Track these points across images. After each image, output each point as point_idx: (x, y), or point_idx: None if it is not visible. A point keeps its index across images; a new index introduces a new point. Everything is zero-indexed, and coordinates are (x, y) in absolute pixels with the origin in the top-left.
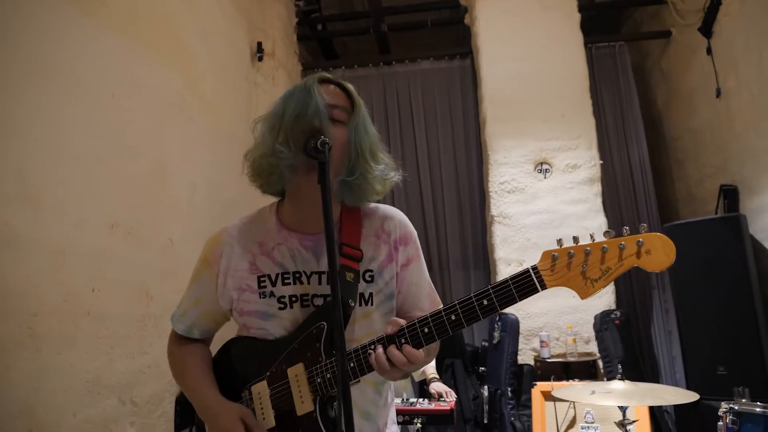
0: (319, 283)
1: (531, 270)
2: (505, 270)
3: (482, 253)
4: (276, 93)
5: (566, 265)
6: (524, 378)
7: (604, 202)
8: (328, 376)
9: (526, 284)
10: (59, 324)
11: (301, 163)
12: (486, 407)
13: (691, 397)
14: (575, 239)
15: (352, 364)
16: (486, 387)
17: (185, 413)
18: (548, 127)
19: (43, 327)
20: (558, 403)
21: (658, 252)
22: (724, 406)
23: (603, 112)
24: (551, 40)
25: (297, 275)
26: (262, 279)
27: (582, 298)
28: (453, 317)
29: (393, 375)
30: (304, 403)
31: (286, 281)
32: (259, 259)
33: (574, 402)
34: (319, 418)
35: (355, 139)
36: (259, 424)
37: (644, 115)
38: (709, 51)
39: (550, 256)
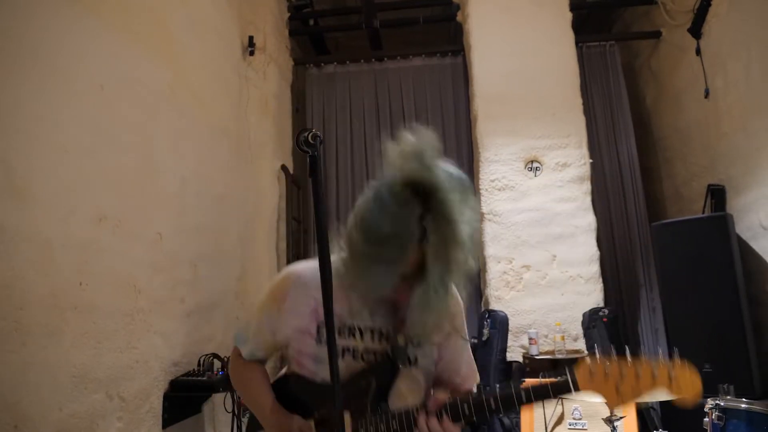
0: (371, 339)
1: (569, 374)
2: (495, 267)
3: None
4: (267, 88)
5: (601, 380)
6: (513, 375)
7: (593, 201)
8: (372, 430)
9: (561, 387)
10: (46, 318)
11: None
12: None
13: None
14: (612, 359)
15: (395, 425)
16: (474, 384)
17: (173, 409)
18: (539, 125)
19: (29, 320)
20: (546, 400)
21: (686, 387)
22: (710, 403)
23: (593, 110)
24: (543, 39)
25: (351, 329)
26: (321, 327)
27: (610, 407)
28: (493, 404)
29: None
30: None
31: (342, 333)
32: (321, 308)
33: (562, 399)
34: None
35: (434, 257)
36: None
37: (634, 114)
38: (698, 51)
39: (588, 370)
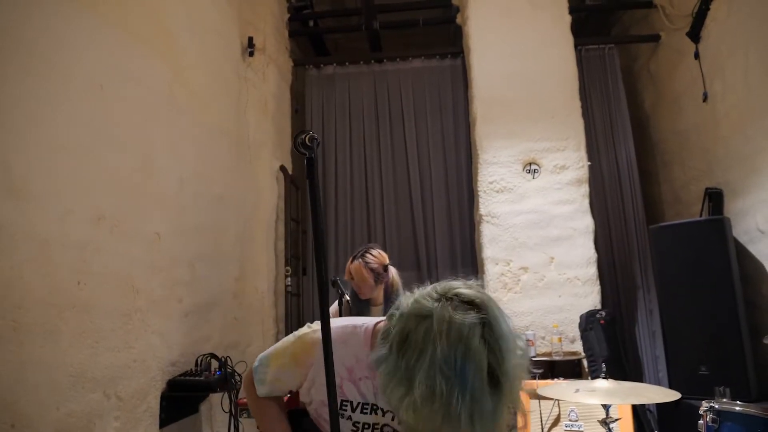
0: (393, 419)
1: None
2: (492, 269)
3: (470, 252)
4: (266, 88)
5: None
6: None
7: (591, 203)
8: None
9: None
10: (44, 317)
11: None
12: None
13: (673, 395)
14: None
15: None
16: None
17: (170, 409)
18: (537, 127)
19: (27, 319)
20: (542, 401)
21: None
22: (704, 405)
23: (591, 113)
24: (542, 42)
25: (375, 407)
26: (345, 403)
27: None
28: None
29: None
30: None
31: (365, 411)
32: (346, 384)
33: (558, 400)
34: None
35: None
36: None
37: (632, 117)
38: (696, 55)
39: None
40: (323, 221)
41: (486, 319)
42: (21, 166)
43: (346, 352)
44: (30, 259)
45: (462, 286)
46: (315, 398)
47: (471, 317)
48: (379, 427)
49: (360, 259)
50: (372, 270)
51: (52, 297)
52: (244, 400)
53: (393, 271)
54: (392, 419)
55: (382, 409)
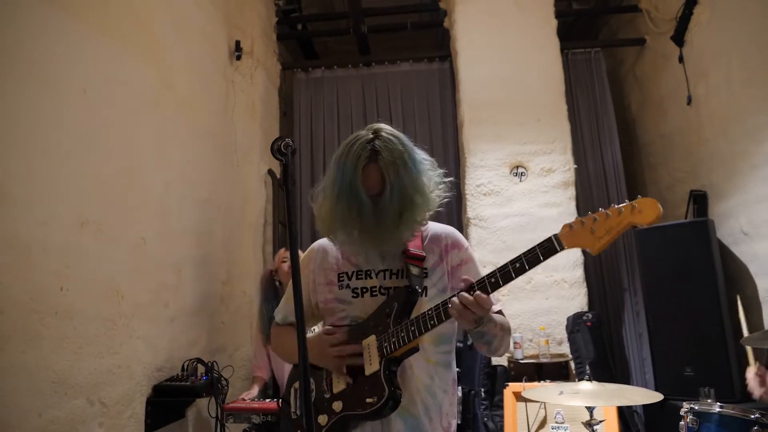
0: (384, 278)
1: (552, 236)
2: (481, 271)
3: None
4: (254, 92)
5: (579, 230)
6: (498, 379)
7: (578, 206)
8: (394, 339)
9: (548, 248)
10: (25, 322)
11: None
12: (459, 407)
13: (656, 397)
14: (589, 213)
15: (413, 327)
16: (460, 388)
17: (156, 414)
18: (524, 130)
19: (8, 325)
20: (529, 404)
21: (648, 210)
22: (685, 407)
23: (578, 116)
24: (528, 46)
25: (368, 272)
26: (341, 275)
27: (593, 253)
28: (492, 279)
29: (466, 318)
30: (371, 365)
31: (359, 277)
32: (341, 262)
33: (544, 402)
34: (382, 374)
35: (393, 194)
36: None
37: (618, 120)
38: (681, 59)
39: (568, 226)
40: (297, 226)
41: (381, 133)
42: (1, 171)
43: (331, 251)
44: (11, 264)
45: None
46: (321, 283)
47: (370, 132)
48: (376, 289)
49: None
50: None
51: (34, 303)
52: (231, 405)
53: None
54: (384, 278)
55: (374, 271)
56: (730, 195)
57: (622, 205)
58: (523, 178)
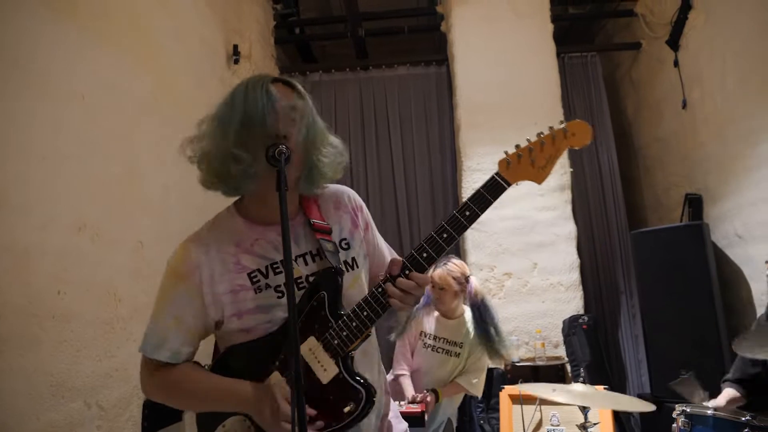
0: (306, 263)
1: (495, 175)
2: (477, 275)
3: (454, 255)
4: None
5: (518, 164)
6: (494, 382)
7: (574, 209)
8: (345, 333)
9: (495, 186)
10: (23, 326)
11: (263, 168)
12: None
13: (648, 407)
14: (517, 146)
15: (365, 313)
16: None
17: (154, 417)
18: (521, 134)
19: (6, 329)
20: (525, 407)
21: (580, 132)
22: (677, 409)
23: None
24: (525, 50)
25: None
26: (253, 275)
27: (538, 183)
28: (445, 235)
29: (407, 301)
30: (327, 371)
31: (277, 270)
32: (242, 257)
33: (540, 405)
34: (346, 376)
35: (307, 135)
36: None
37: (614, 124)
38: (676, 63)
39: (505, 162)
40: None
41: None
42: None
43: (222, 232)
44: (9, 268)
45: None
46: (223, 292)
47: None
48: (302, 279)
49: (442, 267)
50: (455, 278)
51: (32, 306)
52: None
53: (475, 281)
54: (306, 264)
55: (294, 260)
56: (724, 198)
57: (552, 131)
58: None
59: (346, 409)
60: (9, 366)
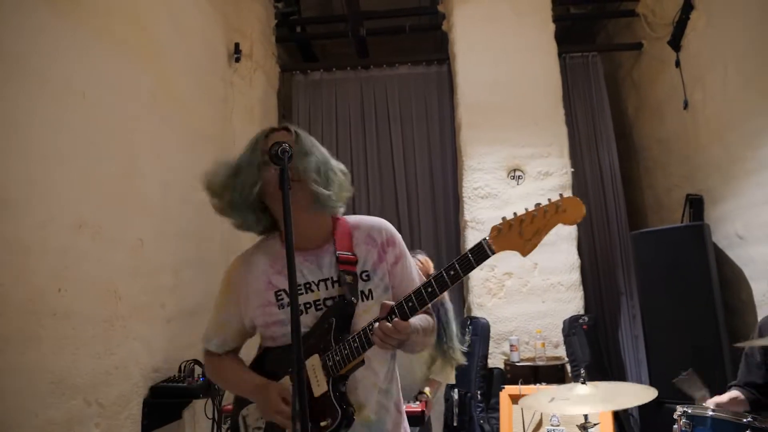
0: (326, 288)
1: (482, 241)
2: (477, 274)
3: (455, 257)
4: (253, 94)
5: (508, 232)
6: (494, 381)
7: None
8: (338, 358)
9: (480, 252)
10: (23, 324)
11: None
12: (456, 410)
13: (651, 393)
14: (514, 214)
15: (356, 344)
16: (456, 390)
17: (153, 415)
18: (521, 134)
19: (6, 327)
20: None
21: (572, 210)
22: (678, 410)
23: (575, 120)
24: (526, 49)
25: (307, 285)
26: (278, 293)
27: (523, 255)
28: (429, 289)
29: (388, 343)
30: (319, 386)
31: (299, 292)
32: (273, 277)
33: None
34: (332, 395)
35: (306, 166)
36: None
37: (616, 124)
38: (677, 64)
39: (497, 229)
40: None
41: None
42: (0, 174)
43: (263, 253)
44: (9, 265)
45: None
46: (255, 306)
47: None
48: (320, 302)
49: None
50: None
51: (33, 304)
52: (229, 406)
53: None
54: (326, 288)
55: (314, 283)
56: (725, 199)
57: (546, 204)
58: (520, 181)
59: (323, 424)
60: (9, 364)
